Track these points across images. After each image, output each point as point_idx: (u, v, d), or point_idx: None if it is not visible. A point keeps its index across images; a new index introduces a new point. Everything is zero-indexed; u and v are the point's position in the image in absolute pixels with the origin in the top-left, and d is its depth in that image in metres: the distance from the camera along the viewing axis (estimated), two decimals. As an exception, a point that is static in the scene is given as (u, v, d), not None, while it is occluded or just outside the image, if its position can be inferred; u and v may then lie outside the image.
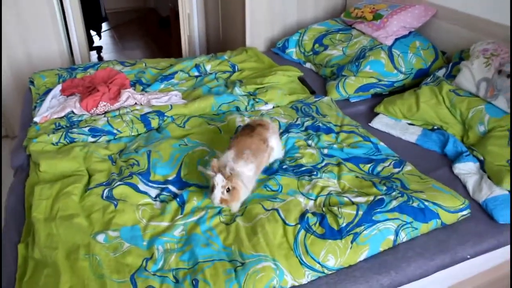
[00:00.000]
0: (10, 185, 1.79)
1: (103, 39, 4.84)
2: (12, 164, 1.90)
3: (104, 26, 5.16)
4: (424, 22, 2.58)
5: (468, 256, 1.53)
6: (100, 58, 4.39)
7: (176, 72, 2.52)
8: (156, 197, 1.64)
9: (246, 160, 1.53)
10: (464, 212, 1.60)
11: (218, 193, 1.45)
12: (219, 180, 1.44)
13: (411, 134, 2.09)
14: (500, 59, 2.01)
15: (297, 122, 2.08)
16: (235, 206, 1.53)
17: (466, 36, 2.39)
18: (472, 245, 1.55)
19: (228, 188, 1.46)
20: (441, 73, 2.28)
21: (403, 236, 1.50)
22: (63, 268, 1.31)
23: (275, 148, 1.75)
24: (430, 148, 2.02)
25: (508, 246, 1.63)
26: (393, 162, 1.82)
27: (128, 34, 5.05)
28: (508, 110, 1.92)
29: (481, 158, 1.88)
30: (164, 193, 1.65)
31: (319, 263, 1.39)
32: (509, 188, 1.69)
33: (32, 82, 2.47)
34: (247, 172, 1.52)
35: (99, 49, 4.40)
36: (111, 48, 4.69)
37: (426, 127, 2.13)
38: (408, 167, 1.80)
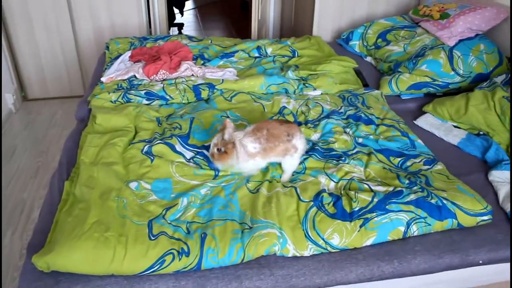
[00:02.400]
0: (71, 132, 2.02)
1: (186, 17, 5.10)
2: (76, 115, 2.15)
3: (189, 5, 5.43)
4: (494, 25, 2.49)
5: (480, 262, 1.52)
6: (180, 34, 4.64)
7: (237, 51, 2.65)
8: (190, 159, 1.78)
9: (256, 138, 1.62)
10: (485, 217, 1.58)
11: (211, 148, 1.65)
12: (214, 139, 1.64)
13: (454, 136, 2.06)
14: (561, 70, 1.92)
15: (340, 110, 2.13)
16: (219, 166, 1.68)
17: (537, 44, 2.29)
18: (487, 251, 1.52)
19: (220, 149, 1.61)
20: (499, 79, 2.21)
21: (415, 230, 1.52)
22: (94, 205, 1.48)
23: (298, 150, 1.69)
24: (471, 153, 1.98)
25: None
26: (424, 160, 1.82)
27: (211, 14, 5.27)
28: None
29: (522, 169, 1.82)
30: (198, 156, 1.79)
31: (323, 239, 1.45)
32: (541, 201, 1.64)
33: (107, 47, 2.72)
34: (250, 149, 1.62)
35: (180, 26, 4.65)
36: (192, 26, 4.94)
37: (471, 131, 2.08)
38: (439, 166, 1.79)
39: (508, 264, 1.58)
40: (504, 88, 2.11)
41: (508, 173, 1.81)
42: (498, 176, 1.81)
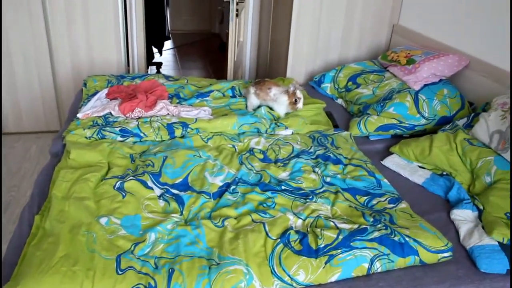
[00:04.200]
0: (44, 166, 2.04)
1: (165, 57, 5.21)
2: (50, 150, 2.17)
3: (169, 45, 5.56)
4: (456, 71, 2.63)
5: (442, 297, 1.57)
6: (158, 73, 4.73)
7: (212, 91, 2.73)
8: (160, 196, 1.81)
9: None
10: (445, 254, 1.63)
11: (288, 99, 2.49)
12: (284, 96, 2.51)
13: (419, 176, 2.14)
14: (516, 115, 2.03)
15: (310, 150, 2.20)
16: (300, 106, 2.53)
17: (496, 89, 2.41)
18: (448, 287, 1.57)
19: (296, 100, 2.50)
20: (461, 122, 2.32)
21: (378, 266, 1.57)
22: (64, 239, 1.49)
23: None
24: (435, 192, 2.06)
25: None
26: (389, 198, 1.89)
27: (189, 55, 5.40)
28: (517, 165, 1.94)
29: (481, 207, 1.90)
30: (167, 194, 1.82)
31: (289, 275, 1.48)
32: (499, 239, 1.71)
33: (85, 84, 2.77)
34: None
35: (158, 65, 4.75)
36: (171, 65, 5.04)
37: (435, 172, 2.17)
38: (403, 205, 1.86)
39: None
40: (465, 130, 2.22)
41: (468, 211, 1.89)
42: (459, 215, 1.88)
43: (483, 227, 1.80)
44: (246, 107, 2.60)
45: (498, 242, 1.71)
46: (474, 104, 2.56)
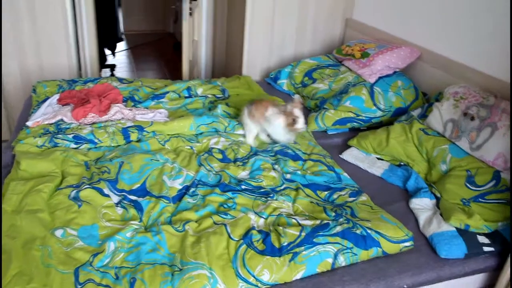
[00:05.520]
0: (-7, 180, 1.94)
1: (119, 59, 5.09)
2: None
3: (122, 46, 5.43)
4: (409, 63, 2.69)
5: (405, 286, 1.59)
6: (112, 76, 4.61)
7: (167, 92, 2.67)
8: (117, 204, 1.76)
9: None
10: (407, 244, 1.66)
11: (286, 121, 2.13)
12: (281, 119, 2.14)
13: (378, 168, 2.17)
14: (467, 102, 2.09)
15: (268, 148, 2.19)
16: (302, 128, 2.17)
17: (447, 79, 2.48)
18: (411, 276, 1.60)
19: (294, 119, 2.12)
20: (416, 112, 2.37)
21: (342, 260, 1.57)
22: (16, 255, 1.43)
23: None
24: (393, 183, 2.10)
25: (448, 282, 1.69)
26: (349, 192, 1.90)
27: (144, 55, 5.30)
28: (469, 151, 1.99)
29: (439, 195, 1.94)
30: (125, 201, 1.77)
31: (254, 276, 1.47)
32: (456, 225, 1.75)
33: (34, 90, 2.66)
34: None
35: (112, 67, 4.63)
36: (125, 67, 4.93)
37: (393, 163, 2.21)
38: (363, 198, 1.88)
39: (430, 287, 1.66)
40: (420, 120, 2.26)
41: (426, 200, 1.93)
42: (418, 203, 1.92)
43: (441, 214, 1.84)
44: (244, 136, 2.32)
45: (456, 228, 1.75)
46: (427, 94, 2.62)
